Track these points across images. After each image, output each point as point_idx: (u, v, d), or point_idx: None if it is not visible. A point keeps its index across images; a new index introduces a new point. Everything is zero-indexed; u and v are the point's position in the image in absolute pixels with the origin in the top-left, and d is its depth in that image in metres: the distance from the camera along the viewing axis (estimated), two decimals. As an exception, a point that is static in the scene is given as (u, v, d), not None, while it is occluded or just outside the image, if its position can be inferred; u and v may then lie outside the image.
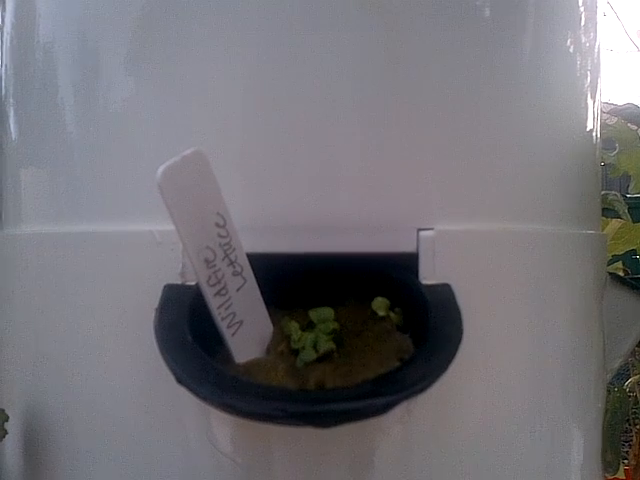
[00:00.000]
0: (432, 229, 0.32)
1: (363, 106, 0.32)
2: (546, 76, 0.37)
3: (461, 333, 0.28)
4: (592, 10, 0.41)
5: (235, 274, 0.28)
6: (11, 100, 0.41)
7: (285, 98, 0.32)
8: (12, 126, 0.41)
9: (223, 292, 0.27)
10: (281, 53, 0.32)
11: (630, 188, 0.62)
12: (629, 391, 0.62)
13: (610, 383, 0.48)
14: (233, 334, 0.28)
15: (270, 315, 0.30)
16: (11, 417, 0.35)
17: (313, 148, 0.32)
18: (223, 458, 0.30)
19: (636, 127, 0.60)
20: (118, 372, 0.33)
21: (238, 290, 0.28)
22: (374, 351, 0.29)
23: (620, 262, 0.66)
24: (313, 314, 0.30)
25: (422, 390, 0.26)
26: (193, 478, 0.31)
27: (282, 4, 0.32)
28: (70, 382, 0.34)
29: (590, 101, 0.41)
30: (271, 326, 0.30)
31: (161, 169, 0.25)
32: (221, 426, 0.29)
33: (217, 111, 0.32)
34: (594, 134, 0.42)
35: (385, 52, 0.32)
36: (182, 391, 0.25)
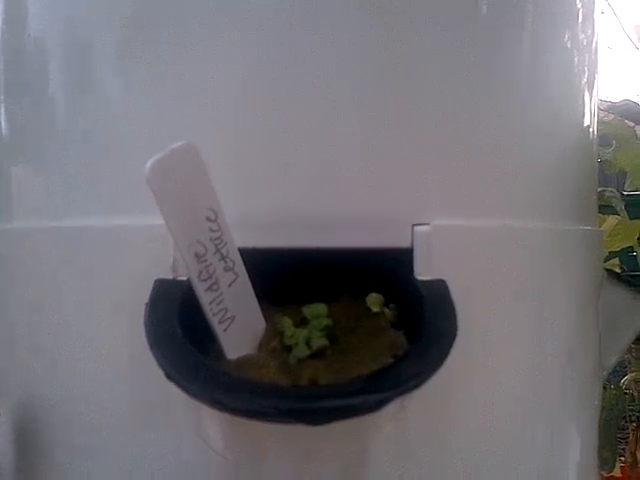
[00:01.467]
0: (427, 224, 0.32)
1: (361, 105, 0.32)
2: (544, 73, 0.37)
3: (456, 329, 0.28)
4: (590, 7, 0.41)
5: (227, 269, 0.28)
6: (2, 96, 0.41)
7: (283, 97, 0.32)
8: (3, 122, 0.40)
9: (215, 287, 0.27)
10: (280, 52, 0.32)
11: (626, 185, 0.62)
12: (625, 388, 0.62)
13: (606, 380, 0.48)
14: (225, 330, 0.28)
15: (262, 311, 0.30)
16: (3, 412, 0.35)
17: (309, 145, 0.32)
18: (214, 455, 0.30)
19: (633, 124, 0.60)
20: (111, 367, 0.33)
21: (230, 285, 0.28)
22: (368, 347, 0.29)
23: (617, 259, 0.66)
24: (306, 310, 0.30)
25: (416, 386, 0.25)
26: (184, 474, 0.31)
27: (281, 3, 0.32)
28: (63, 377, 0.34)
29: (587, 98, 0.41)
30: (263, 322, 0.30)
31: (150, 162, 0.24)
32: (212, 423, 0.29)
33: (214, 109, 0.32)
34: (591, 130, 0.42)
35: (384, 52, 0.32)
36: (173, 387, 0.25)
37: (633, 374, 0.65)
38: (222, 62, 0.32)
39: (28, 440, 0.36)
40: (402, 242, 0.31)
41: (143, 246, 0.31)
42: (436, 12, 0.33)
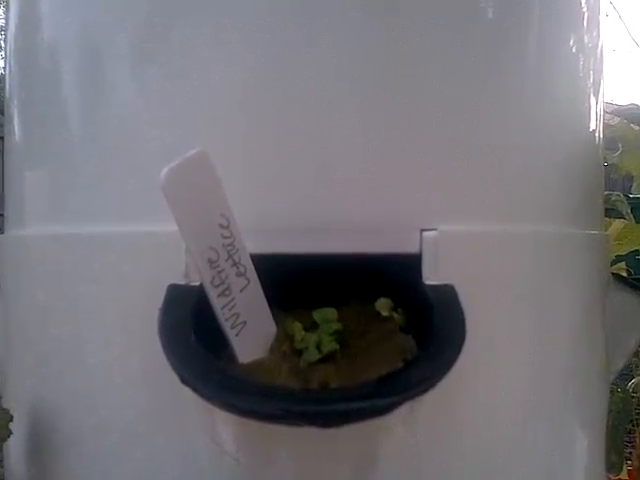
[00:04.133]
0: (435, 230, 0.32)
1: (365, 107, 0.32)
2: (549, 76, 0.37)
3: (464, 333, 0.28)
4: (595, 10, 0.41)
5: (239, 275, 0.28)
6: (16, 101, 0.41)
7: (287, 100, 0.32)
8: (17, 127, 0.41)
9: (227, 292, 0.27)
10: (282, 55, 0.32)
11: (633, 188, 0.61)
12: (632, 392, 0.62)
13: (613, 384, 0.48)
14: (237, 334, 0.28)
15: (273, 315, 0.30)
16: (16, 417, 0.35)
17: (315, 149, 0.32)
18: (227, 458, 0.30)
19: (639, 127, 0.60)
20: (122, 372, 0.33)
21: (242, 291, 0.28)
22: (377, 352, 0.29)
23: (623, 262, 0.65)
24: (316, 315, 0.31)
25: (425, 390, 0.26)
26: (197, 477, 0.31)
27: (283, 6, 0.32)
28: (74, 382, 0.34)
29: (593, 101, 0.41)
30: (274, 326, 0.30)
31: (164, 171, 0.25)
32: (225, 426, 0.29)
33: (220, 113, 0.32)
34: (597, 134, 0.42)
35: (386, 53, 0.32)
36: (186, 391, 0.25)
37: (640, 377, 0.65)
38: (224, 64, 0.32)
39: (39, 444, 0.36)
40: (410, 247, 0.32)
41: (156, 252, 0.31)
42: (439, 14, 0.33)
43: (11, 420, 0.35)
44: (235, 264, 0.28)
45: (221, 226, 0.27)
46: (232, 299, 0.28)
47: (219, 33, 0.32)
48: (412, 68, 0.33)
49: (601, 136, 0.43)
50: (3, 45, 0.45)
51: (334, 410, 0.25)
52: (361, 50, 0.32)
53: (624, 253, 0.62)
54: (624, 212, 0.57)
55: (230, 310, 0.28)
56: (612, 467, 0.44)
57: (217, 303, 0.27)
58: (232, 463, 0.30)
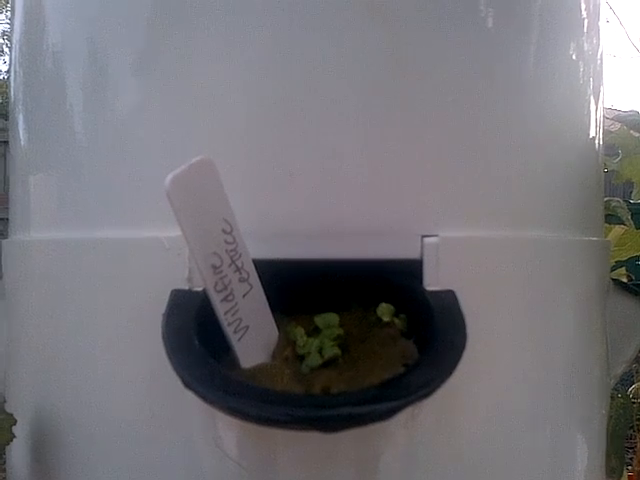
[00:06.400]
0: (436, 236, 0.32)
1: (367, 113, 0.33)
2: (549, 82, 0.37)
3: (465, 339, 0.28)
4: (595, 16, 0.41)
5: (241, 280, 0.28)
6: (20, 107, 0.41)
7: (289, 105, 0.32)
8: (21, 132, 0.41)
9: (230, 298, 0.28)
10: (285, 60, 0.32)
11: (633, 194, 0.61)
12: (633, 397, 0.62)
13: (614, 389, 0.48)
14: (239, 339, 0.29)
15: (276, 321, 0.31)
16: (19, 421, 0.35)
17: (317, 156, 0.32)
18: (229, 462, 0.30)
19: (639, 134, 0.60)
20: (126, 376, 0.33)
21: (244, 296, 0.28)
22: (379, 357, 0.29)
23: (623, 268, 0.65)
24: (318, 320, 0.31)
25: (426, 395, 0.26)
26: (199, 482, 0.31)
27: (287, 13, 0.32)
28: (78, 386, 0.35)
29: (593, 107, 0.41)
30: (277, 332, 0.31)
31: (169, 177, 0.25)
32: (227, 430, 0.29)
33: (222, 118, 0.33)
34: (597, 140, 0.42)
35: (388, 58, 0.33)
36: (189, 395, 0.25)
37: (640, 383, 0.65)
38: (227, 70, 0.33)
39: (42, 448, 0.36)
40: (411, 253, 0.32)
41: (160, 257, 0.32)
42: (439, 18, 0.33)
43: (14, 424, 0.35)
44: (238, 269, 0.28)
45: (224, 232, 0.27)
46: (235, 304, 0.28)
47: (221, 37, 0.33)
48: (412, 75, 0.33)
49: (601, 142, 0.43)
50: (7, 50, 0.45)
51: (336, 415, 0.25)
52: (364, 55, 0.32)
53: (624, 259, 0.62)
54: (624, 218, 0.57)
55: (233, 315, 0.28)
56: (612, 472, 0.43)
57: (220, 308, 0.27)
58: (234, 467, 0.30)
